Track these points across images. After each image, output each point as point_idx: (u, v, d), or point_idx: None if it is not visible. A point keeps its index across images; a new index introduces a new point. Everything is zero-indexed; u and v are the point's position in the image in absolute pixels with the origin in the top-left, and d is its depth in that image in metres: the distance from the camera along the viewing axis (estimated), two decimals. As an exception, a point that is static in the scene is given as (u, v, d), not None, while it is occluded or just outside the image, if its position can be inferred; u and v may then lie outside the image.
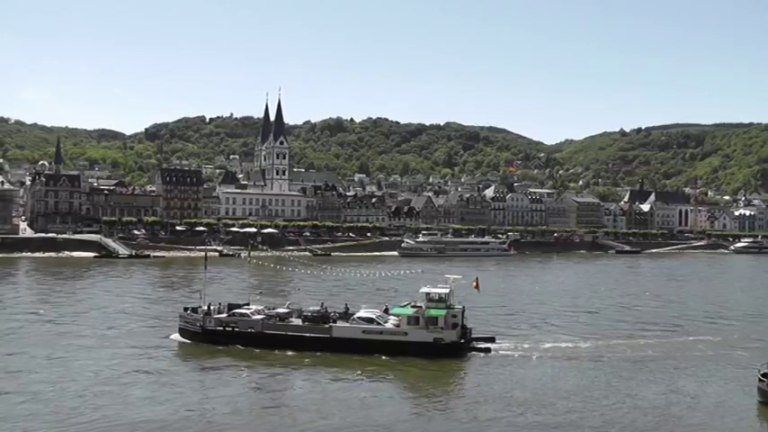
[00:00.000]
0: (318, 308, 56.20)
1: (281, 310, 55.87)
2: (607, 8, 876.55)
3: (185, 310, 57.72)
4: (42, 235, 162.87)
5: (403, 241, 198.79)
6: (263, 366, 48.53)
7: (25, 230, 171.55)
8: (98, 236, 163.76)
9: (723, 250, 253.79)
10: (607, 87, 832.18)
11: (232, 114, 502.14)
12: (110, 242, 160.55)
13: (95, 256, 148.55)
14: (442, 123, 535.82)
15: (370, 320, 52.60)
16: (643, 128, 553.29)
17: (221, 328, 53.96)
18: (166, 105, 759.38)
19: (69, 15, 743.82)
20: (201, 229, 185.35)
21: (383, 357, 49.83)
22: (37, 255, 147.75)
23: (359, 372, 47.01)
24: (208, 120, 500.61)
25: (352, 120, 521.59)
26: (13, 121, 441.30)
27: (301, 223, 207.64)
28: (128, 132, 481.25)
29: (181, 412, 38.35)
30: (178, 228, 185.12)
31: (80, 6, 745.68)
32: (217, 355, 51.43)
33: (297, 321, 54.06)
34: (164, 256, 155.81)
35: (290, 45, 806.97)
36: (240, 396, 41.80)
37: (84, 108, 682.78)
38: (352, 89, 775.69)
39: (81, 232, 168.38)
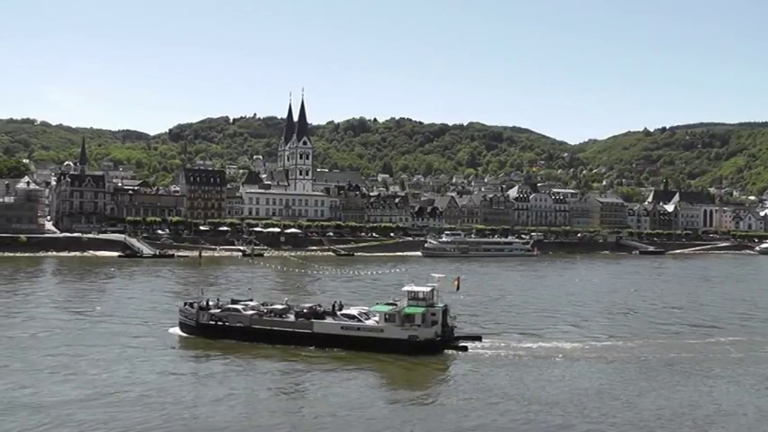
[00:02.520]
0: (311, 305, 58.37)
1: (277, 307, 57.73)
2: (631, 7, 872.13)
3: (185, 304, 59.77)
4: (68, 234, 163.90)
5: (426, 241, 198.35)
6: (239, 360, 50.00)
7: (48, 230, 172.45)
8: (122, 235, 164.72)
9: (748, 251, 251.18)
10: (631, 86, 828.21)
11: (255, 115, 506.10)
12: (134, 242, 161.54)
13: (120, 256, 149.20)
14: (465, 123, 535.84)
15: (351, 317, 54.34)
16: (667, 127, 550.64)
17: (213, 323, 56.03)
18: (190, 106, 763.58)
19: (94, 17, 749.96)
20: (225, 229, 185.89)
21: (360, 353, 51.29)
22: (62, 254, 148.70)
23: (320, 365, 48.79)
24: (231, 120, 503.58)
25: (375, 120, 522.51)
26: (38, 122, 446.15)
27: (325, 223, 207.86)
28: (152, 133, 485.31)
29: (164, 405, 39.36)
30: (202, 228, 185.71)
31: (105, 8, 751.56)
32: (201, 348, 53.45)
33: (292, 317, 55.76)
34: (187, 256, 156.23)
35: (314, 45, 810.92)
36: (202, 387, 43.28)
37: (109, 109, 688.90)
38: (375, 89, 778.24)
39: (105, 232, 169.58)
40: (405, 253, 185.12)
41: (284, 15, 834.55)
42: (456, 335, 55.12)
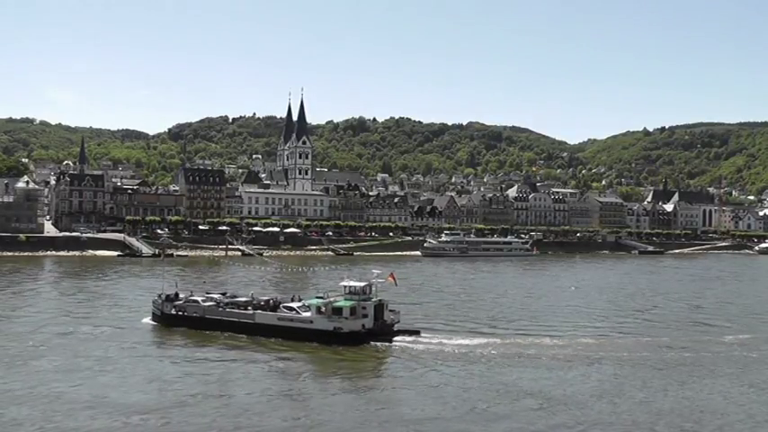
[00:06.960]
0: (268, 298, 62.37)
1: (241, 299, 62.06)
2: (630, 9, 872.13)
3: (158, 296, 63.71)
4: (67, 234, 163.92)
5: (425, 241, 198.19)
6: (179, 347, 54.15)
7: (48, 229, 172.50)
8: (122, 235, 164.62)
9: (747, 251, 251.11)
10: (630, 86, 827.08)
11: (255, 114, 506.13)
12: (133, 241, 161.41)
13: (119, 255, 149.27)
14: (464, 123, 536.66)
15: (290, 309, 57.78)
16: (667, 127, 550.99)
17: (175, 313, 60.99)
18: (190, 105, 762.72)
19: (93, 17, 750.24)
20: (224, 228, 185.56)
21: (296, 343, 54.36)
22: (61, 253, 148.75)
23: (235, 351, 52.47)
24: (231, 120, 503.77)
25: (374, 119, 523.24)
26: (38, 121, 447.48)
27: (324, 223, 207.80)
28: (151, 132, 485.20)
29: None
30: (201, 227, 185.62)
31: (104, 8, 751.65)
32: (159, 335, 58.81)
33: (251, 309, 59.29)
34: (187, 255, 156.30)
35: (313, 45, 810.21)
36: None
37: (108, 108, 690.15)
38: (374, 89, 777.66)
39: (105, 231, 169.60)
40: (404, 252, 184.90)
41: (284, 15, 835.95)
42: (397, 329, 57.45)
